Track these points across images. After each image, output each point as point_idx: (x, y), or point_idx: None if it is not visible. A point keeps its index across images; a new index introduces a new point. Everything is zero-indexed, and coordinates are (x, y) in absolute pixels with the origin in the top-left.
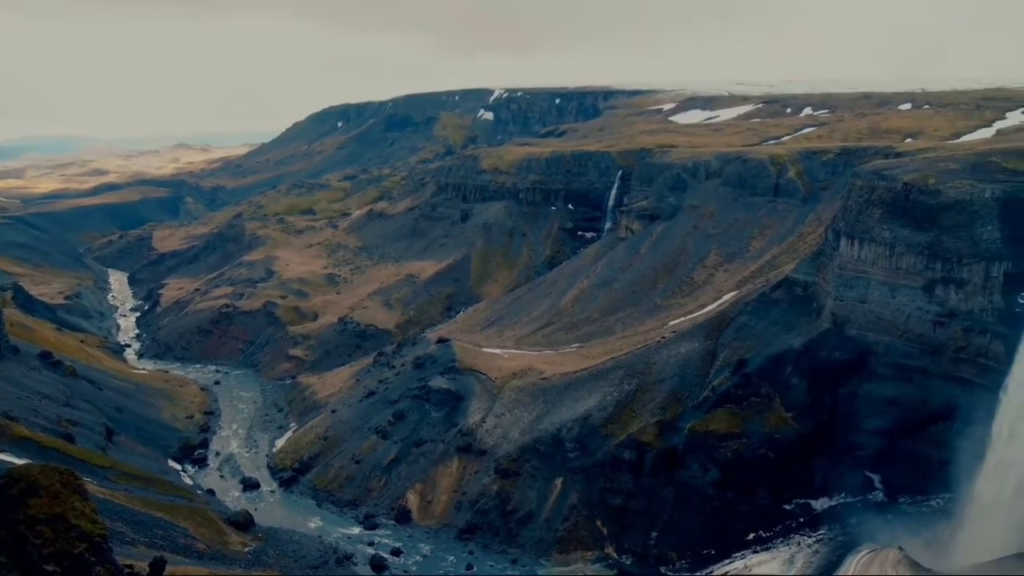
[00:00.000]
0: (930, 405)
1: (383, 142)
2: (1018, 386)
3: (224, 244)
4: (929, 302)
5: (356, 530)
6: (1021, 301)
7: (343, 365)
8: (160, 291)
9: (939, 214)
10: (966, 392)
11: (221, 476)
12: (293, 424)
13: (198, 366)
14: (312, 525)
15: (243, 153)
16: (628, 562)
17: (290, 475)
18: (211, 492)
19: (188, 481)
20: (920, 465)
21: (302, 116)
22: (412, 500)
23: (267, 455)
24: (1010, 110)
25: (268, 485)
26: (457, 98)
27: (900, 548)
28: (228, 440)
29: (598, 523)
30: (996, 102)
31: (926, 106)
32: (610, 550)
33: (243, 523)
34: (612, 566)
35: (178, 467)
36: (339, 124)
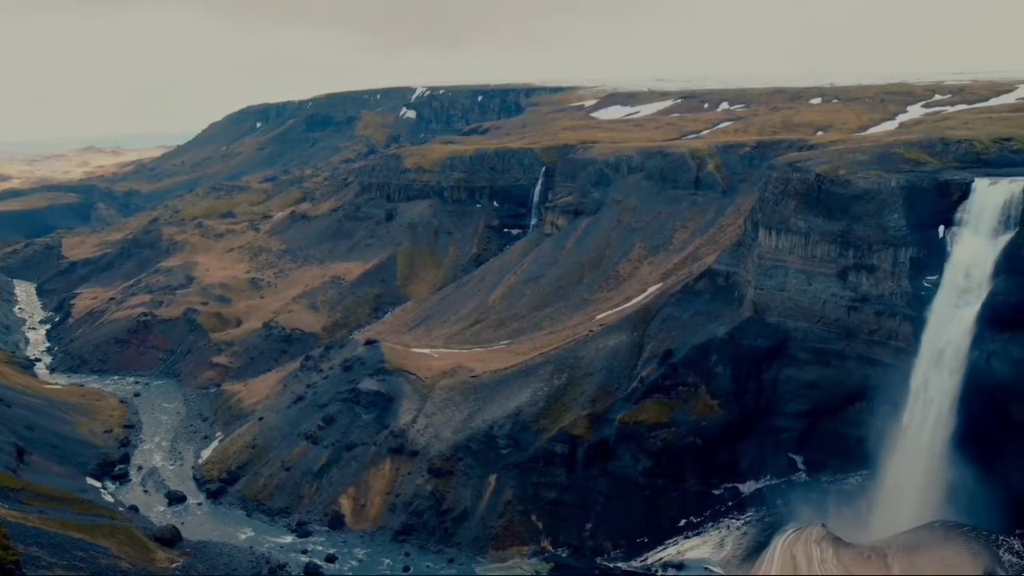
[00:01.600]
0: (847, 386)
1: (304, 142)
2: (926, 364)
3: (140, 250)
4: (843, 288)
5: (289, 538)
6: (926, 284)
7: (269, 371)
8: (72, 301)
9: (850, 204)
10: (879, 373)
11: (144, 491)
12: (219, 433)
13: (116, 378)
14: (243, 536)
15: (158, 155)
16: (564, 555)
17: (218, 486)
18: (134, 508)
19: (109, 498)
20: (839, 444)
21: (219, 116)
22: (345, 505)
23: (193, 467)
24: (910, 104)
25: (195, 498)
26: (379, 96)
27: (823, 525)
28: (151, 453)
29: (533, 518)
30: (898, 96)
31: (835, 100)
32: (546, 544)
33: (170, 539)
34: (548, 559)
35: (98, 484)
36: (258, 124)
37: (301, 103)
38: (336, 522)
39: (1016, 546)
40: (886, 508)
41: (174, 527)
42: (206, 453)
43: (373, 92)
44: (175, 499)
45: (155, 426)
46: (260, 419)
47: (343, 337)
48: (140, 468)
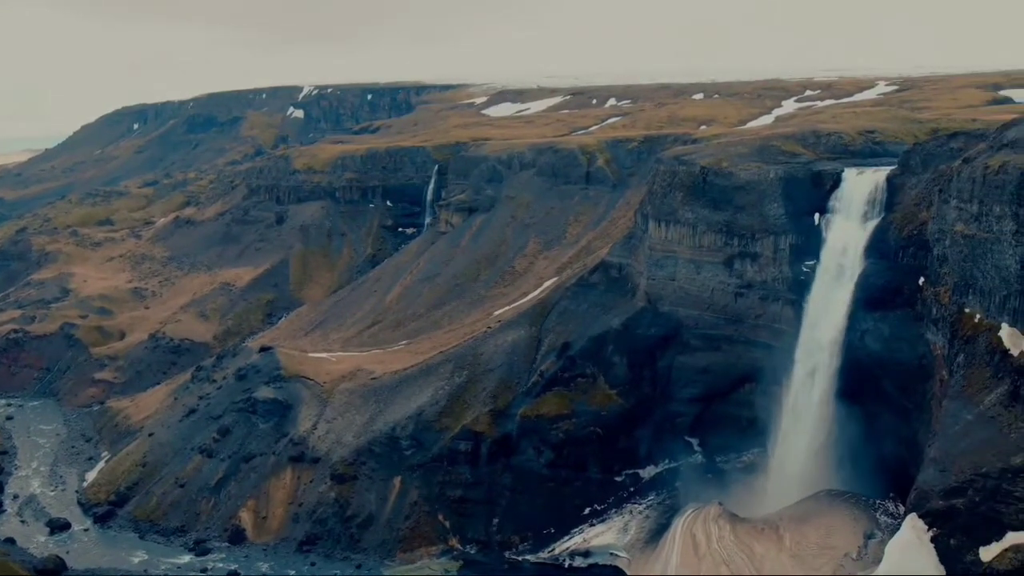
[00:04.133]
0: (737, 370)
1: (186, 144)
2: (807, 344)
3: (7, 263)
4: (729, 276)
5: (186, 558)
6: (805, 269)
7: (158, 384)
8: None
9: (733, 194)
10: (765, 355)
11: (22, 521)
12: (105, 453)
13: None
14: (136, 560)
15: (23, 160)
16: (472, 551)
17: (106, 509)
18: (10, 541)
19: None
20: (732, 425)
21: (92, 118)
22: (245, 518)
23: (77, 491)
24: (785, 99)
25: (80, 524)
26: (264, 96)
27: (719, 503)
28: (28, 480)
29: (440, 517)
30: (774, 92)
31: (716, 96)
32: (454, 542)
33: (53, 570)
34: (457, 557)
35: None
36: (135, 126)
37: (182, 103)
38: (237, 537)
39: (891, 508)
40: (777, 482)
41: (58, 557)
42: (91, 475)
43: (258, 91)
44: (58, 527)
45: (32, 450)
46: (150, 435)
47: (236, 345)
48: (16, 497)
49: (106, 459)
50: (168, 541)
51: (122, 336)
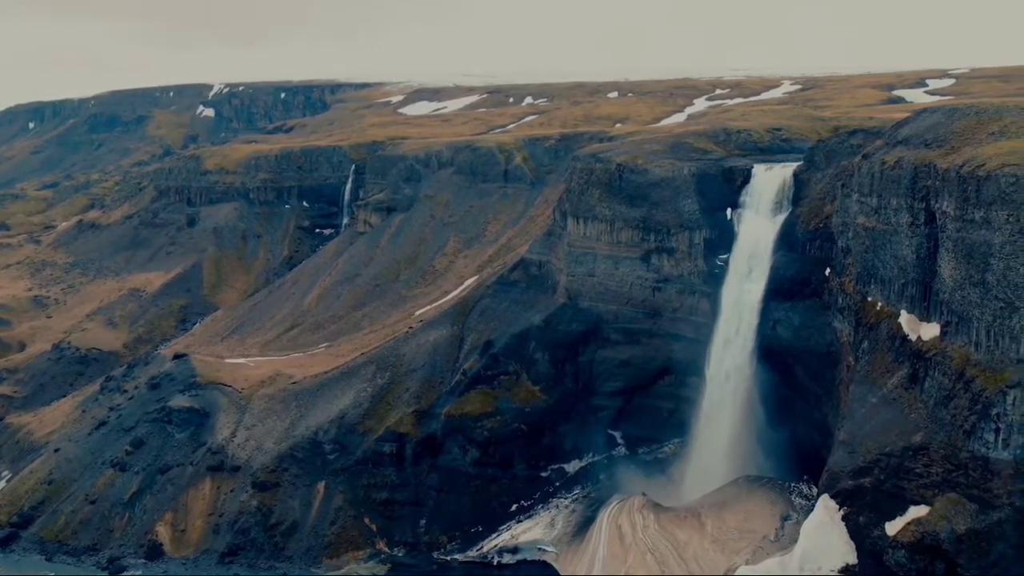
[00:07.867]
0: (656, 362)
1: (88, 144)
2: (723, 335)
3: None
4: (647, 270)
5: None
6: (719, 263)
7: (64, 397)
8: None
9: (649, 191)
10: (684, 347)
11: None
12: (6, 473)
13: None
14: None
15: None
16: (400, 554)
17: (8, 532)
18: None
19: None
20: (653, 417)
21: None
22: (163, 532)
23: None
24: (696, 97)
25: None
26: (172, 94)
27: (643, 494)
28: None
29: (366, 520)
30: (685, 90)
31: (630, 94)
32: (381, 545)
33: None
34: (385, 560)
35: None
36: (31, 125)
37: (82, 101)
38: (154, 552)
39: (804, 489)
40: (698, 470)
41: None
42: None
43: (165, 89)
44: None
45: None
46: (56, 451)
47: (148, 353)
48: None
49: (7, 479)
50: (79, 561)
51: (22, 347)
